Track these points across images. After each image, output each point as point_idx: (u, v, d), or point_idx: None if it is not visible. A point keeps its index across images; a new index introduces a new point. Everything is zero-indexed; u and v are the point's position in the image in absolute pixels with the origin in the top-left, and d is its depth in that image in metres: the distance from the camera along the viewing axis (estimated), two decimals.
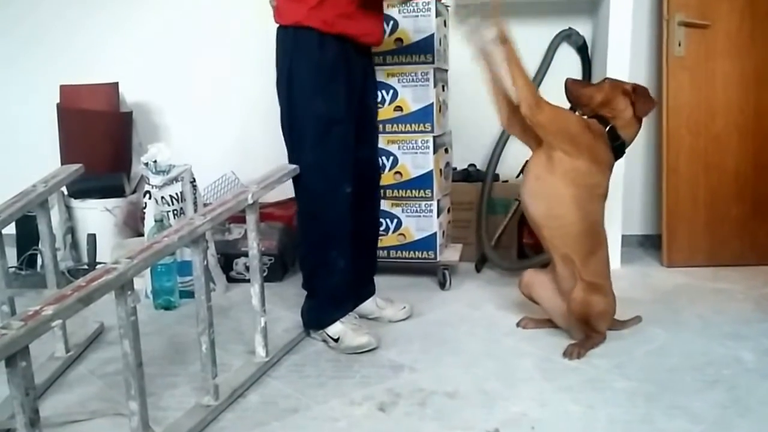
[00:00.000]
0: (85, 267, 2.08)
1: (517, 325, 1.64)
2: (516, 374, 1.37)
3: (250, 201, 1.35)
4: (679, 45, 2.11)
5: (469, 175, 2.30)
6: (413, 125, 1.92)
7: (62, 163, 2.20)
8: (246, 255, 1.59)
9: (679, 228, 2.17)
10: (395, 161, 1.94)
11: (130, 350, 1.01)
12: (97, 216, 2.19)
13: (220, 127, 2.50)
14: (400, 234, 1.99)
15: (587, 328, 1.46)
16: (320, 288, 1.52)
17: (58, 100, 2.34)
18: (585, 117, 1.52)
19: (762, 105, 2.13)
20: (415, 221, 1.97)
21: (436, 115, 1.91)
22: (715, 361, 1.41)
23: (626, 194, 2.11)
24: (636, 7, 2.05)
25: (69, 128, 2.31)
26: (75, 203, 2.20)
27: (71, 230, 2.21)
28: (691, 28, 2.09)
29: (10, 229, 1.57)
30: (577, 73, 2.28)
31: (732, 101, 2.13)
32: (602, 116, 1.49)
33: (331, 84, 1.41)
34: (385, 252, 1.95)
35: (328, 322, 1.50)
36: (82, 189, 2.16)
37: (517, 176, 2.23)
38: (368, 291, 1.67)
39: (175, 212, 1.87)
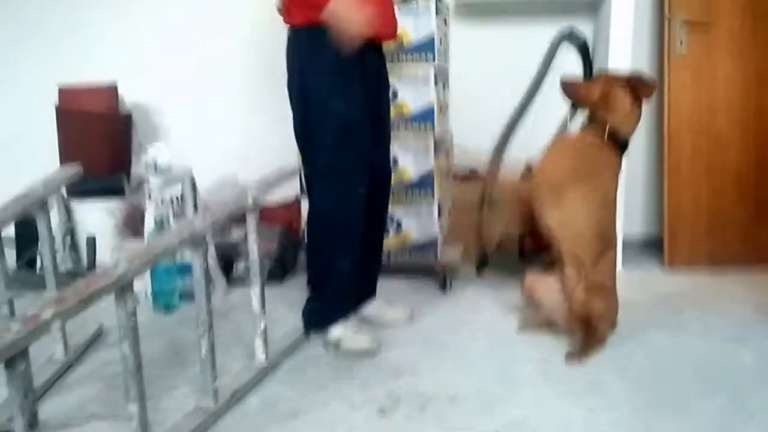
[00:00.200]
0: (85, 269, 2.07)
1: (518, 328, 1.63)
2: (517, 378, 1.36)
3: (251, 203, 1.35)
4: (681, 44, 2.10)
5: (470, 175, 2.29)
6: (414, 125, 1.91)
7: (62, 165, 2.20)
8: (246, 257, 1.59)
9: (681, 229, 2.16)
10: (396, 162, 1.93)
11: (129, 352, 1.00)
12: (96, 217, 2.18)
13: (220, 129, 2.50)
14: (401, 236, 1.98)
15: (588, 329, 1.46)
16: (325, 290, 1.51)
17: (56, 102, 2.33)
18: (581, 124, 1.51)
19: (764, 104, 2.12)
20: (416, 223, 1.96)
21: (436, 115, 1.90)
22: (716, 364, 1.40)
23: (627, 195, 2.10)
24: (637, 5, 2.04)
25: (68, 130, 2.30)
26: (74, 205, 2.20)
27: (71, 232, 2.21)
28: (693, 27, 2.08)
29: (10, 231, 1.57)
30: (578, 73, 2.27)
31: (734, 100, 2.12)
32: (600, 118, 1.48)
33: (347, 84, 1.39)
34: (386, 254, 1.94)
35: (329, 324, 1.50)
36: (81, 190, 2.15)
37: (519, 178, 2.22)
38: (370, 294, 1.67)
39: (175, 214, 1.87)
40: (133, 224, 2.25)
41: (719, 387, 1.30)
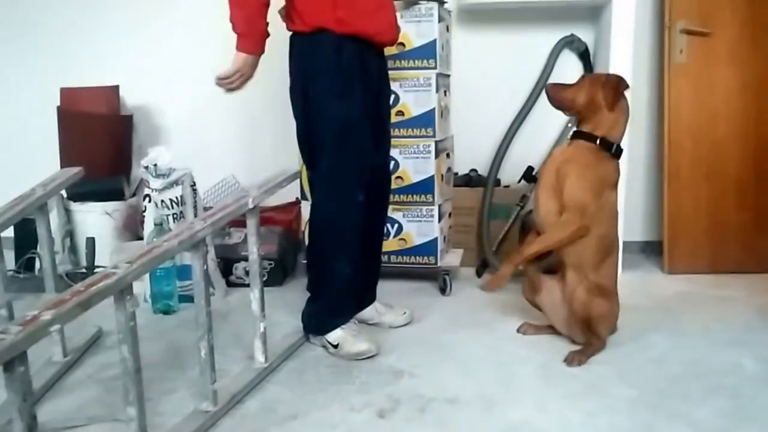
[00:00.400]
0: (84, 271, 2.07)
1: (518, 331, 1.63)
2: (516, 381, 1.36)
3: (251, 205, 1.35)
4: (681, 52, 2.11)
5: (470, 180, 2.30)
6: (415, 130, 1.92)
7: (62, 166, 2.20)
8: (246, 259, 1.59)
9: (681, 235, 2.16)
10: (396, 166, 1.94)
11: (128, 355, 1.00)
12: (96, 219, 2.18)
13: (221, 131, 2.50)
14: (401, 239, 1.98)
15: (588, 331, 1.46)
16: (325, 293, 1.51)
17: (58, 103, 2.34)
18: (578, 133, 1.49)
19: (763, 112, 2.13)
20: (416, 226, 1.96)
21: (437, 120, 1.91)
22: (716, 368, 1.40)
23: (627, 201, 2.11)
24: (638, 14, 2.06)
25: (69, 131, 2.31)
26: (74, 206, 2.20)
27: (70, 233, 2.20)
28: (693, 36, 2.10)
29: (9, 232, 1.57)
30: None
31: (733, 108, 2.13)
32: (589, 125, 1.47)
33: (348, 88, 1.39)
34: (386, 257, 1.94)
35: (329, 328, 1.50)
36: (81, 192, 2.15)
37: (519, 181, 2.23)
38: (370, 297, 1.66)
39: (175, 216, 1.87)
40: (132, 226, 2.25)
41: (720, 391, 1.30)
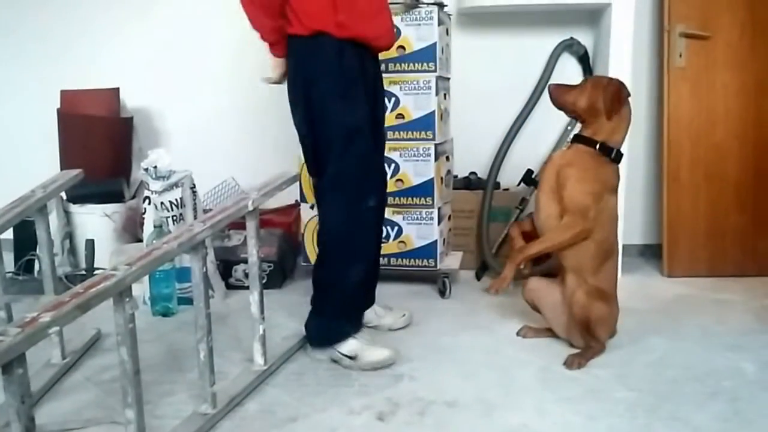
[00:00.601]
0: (83, 273, 2.07)
1: (518, 334, 1.63)
2: (516, 384, 1.36)
3: (251, 208, 1.35)
4: (680, 56, 2.12)
5: (470, 182, 2.30)
6: (415, 133, 1.92)
7: (62, 168, 2.20)
8: (245, 262, 1.59)
9: (680, 238, 2.16)
10: (396, 168, 1.94)
11: (127, 357, 1.00)
12: (95, 221, 2.18)
13: (221, 133, 2.51)
14: (400, 241, 1.98)
15: (587, 333, 1.46)
16: (335, 305, 1.45)
17: (58, 105, 2.34)
18: (579, 144, 1.49)
19: (762, 115, 2.14)
20: (416, 229, 1.96)
21: (437, 123, 1.91)
22: (715, 372, 1.40)
23: (627, 203, 2.11)
24: (637, 17, 2.06)
25: (69, 133, 2.31)
26: (74, 208, 2.20)
27: (69, 235, 2.20)
28: (692, 39, 2.11)
29: (8, 234, 1.57)
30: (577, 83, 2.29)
31: (732, 111, 2.14)
32: (590, 129, 1.47)
33: (351, 91, 1.37)
34: (386, 260, 1.95)
35: (341, 338, 1.43)
36: (81, 194, 2.15)
37: (518, 184, 2.23)
38: (369, 300, 1.64)
39: (175, 218, 1.86)
40: (132, 228, 2.25)
41: (719, 394, 1.30)
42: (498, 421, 1.21)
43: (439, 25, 1.88)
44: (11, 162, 2.55)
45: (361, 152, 1.39)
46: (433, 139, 1.91)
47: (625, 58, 2.02)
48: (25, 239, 2.11)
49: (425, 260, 1.97)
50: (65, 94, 2.34)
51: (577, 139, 1.51)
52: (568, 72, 2.28)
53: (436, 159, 1.93)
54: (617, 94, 1.46)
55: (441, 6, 1.91)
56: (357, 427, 1.19)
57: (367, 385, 1.36)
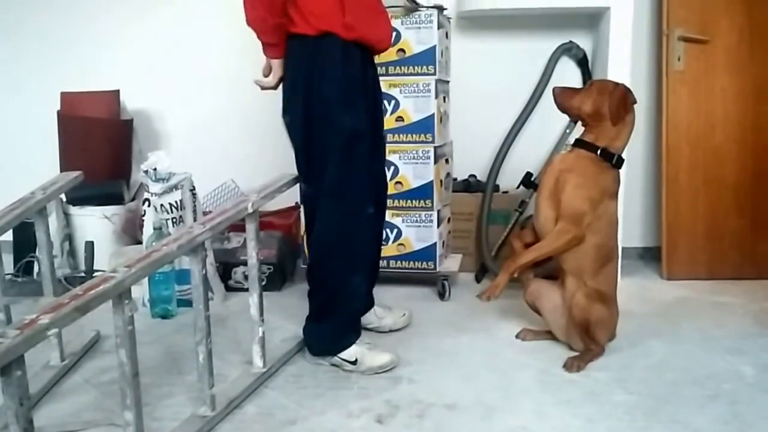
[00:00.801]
0: (83, 275, 2.07)
1: (517, 336, 1.63)
2: (515, 386, 1.36)
3: (250, 210, 1.35)
4: (679, 59, 2.13)
5: (469, 185, 2.30)
6: (414, 135, 1.93)
7: (62, 170, 2.20)
8: (245, 264, 1.59)
9: (679, 241, 2.17)
10: (396, 171, 1.94)
11: (126, 360, 1.00)
12: (95, 223, 2.18)
13: (221, 136, 2.51)
14: (400, 244, 1.98)
15: (586, 336, 1.46)
16: (338, 315, 1.42)
17: (58, 107, 2.34)
18: (579, 149, 1.49)
19: (761, 119, 2.15)
20: (415, 231, 1.96)
21: (437, 126, 1.92)
22: (715, 375, 1.40)
23: (626, 207, 2.11)
24: (636, 21, 2.07)
25: (69, 135, 2.31)
26: (73, 210, 2.20)
27: (69, 237, 2.20)
28: (691, 43, 2.11)
29: (8, 236, 1.57)
30: (577, 86, 2.30)
31: (731, 115, 2.15)
32: (593, 133, 1.47)
33: (354, 96, 1.35)
34: (385, 262, 1.94)
35: (344, 347, 1.42)
36: (80, 196, 2.15)
37: (517, 187, 2.24)
38: (369, 303, 1.63)
39: (174, 220, 1.87)
40: (131, 230, 2.25)
41: (718, 397, 1.30)
42: (497, 423, 1.20)
43: (438, 28, 1.89)
44: (11, 163, 2.55)
45: (361, 159, 1.36)
46: (433, 141, 1.92)
47: (624, 61, 2.03)
48: (25, 241, 2.11)
49: (425, 263, 1.97)
50: (65, 96, 2.34)
51: (579, 143, 1.50)
52: (567, 75, 2.29)
53: (436, 162, 1.93)
54: (623, 100, 1.45)
55: (441, 9, 1.92)
56: (356, 429, 1.19)
57: (366, 387, 1.36)
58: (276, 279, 2.08)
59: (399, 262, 1.99)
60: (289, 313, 1.78)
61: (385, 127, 1.87)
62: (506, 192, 2.29)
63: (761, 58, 2.12)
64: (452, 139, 2.19)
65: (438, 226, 1.96)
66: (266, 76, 1.42)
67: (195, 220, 1.88)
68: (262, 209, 1.45)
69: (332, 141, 1.34)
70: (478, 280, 2.18)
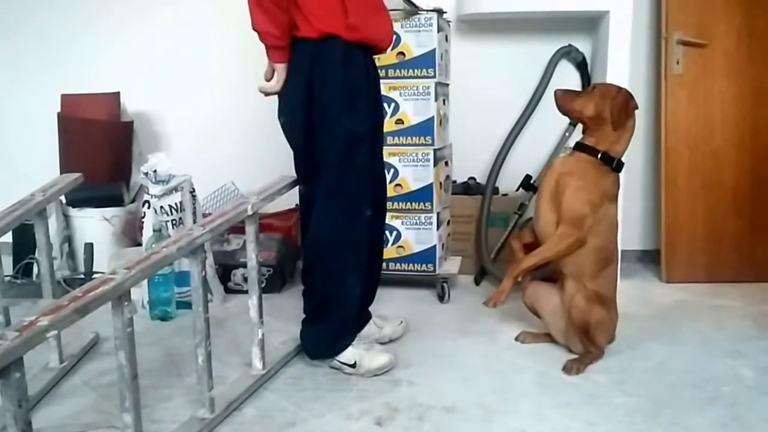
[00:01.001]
0: (82, 276, 2.07)
1: (516, 339, 1.63)
2: (515, 389, 1.36)
3: (250, 212, 1.35)
4: (678, 63, 2.13)
5: (468, 188, 2.31)
6: (414, 138, 1.93)
7: (61, 172, 2.20)
8: (244, 266, 1.59)
9: (678, 244, 2.17)
10: (396, 174, 1.95)
11: (125, 362, 1.00)
12: (95, 225, 2.18)
13: (221, 138, 2.51)
14: (399, 246, 1.98)
15: (586, 338, 1.46)
16: (333, 316, 1.42)
17: (59, 109, 2.35)
18: (578, 152, 1.49)
19: (759, 122, 2.15)
20: (415, 234, 1.97)
21: (436, 129, 1.92)
22: (714, 377, 1.40)
23: (625, 209, 2.11)
24: (635, 25, 2.08)
25: (69, 137, 2.31)
26: (73, 212, 2.20)
27: (68, 239, 2.20)
28: (689, 47, 2.12)
29: (7, 238, 1.57)
30: (576, 89, 2.30)
31: (729, 118, 2.15)
32: (594, 137, 1.47)
33: (356, 99, 1.34)
34: (384, 264, 1.93)
35: (340, 350, 1.42)
36: (80, 198, 2.15)
37: (517, 189, 2.24)
38: (369, 314, 1.60)
39: (174, 222, 1.87)
40: (131, 232, 2.25)
41: (717, 400, 1.30)
42: (497, 426, 1.20)
43: (438, 31, 1.89)
44: (11, 165, 2.55)
45: (361, 162, 1.36)
46: (432, 144, 1.92)
47: (623, 65, 2.03)
48: (24, 243, 2.11)
49: (424, 265, 1.97)
50: (66, 98, 2.35)
51: (579, 147, 1.50)
52: (567, 79, 2.29)
53: (435, 164, 1.94)
54: (625, 106, 1.45)
55: (440, 13, 1.92)
56: None
57: (365, 390, 1.36)
58: (275, 281, 2.08)
59: (398, 264, 1.99)
60: (288, 315, 1.78)
61: (385, 130, 1.87)
62: (506, 194, 2.29)
63: (759, 62, 2.13)
64: (452, 141, 2.19)
65: (437, 228, 1.97)
66: (268, 79, 1.41)
67: (195, 222, 1.88)
68: (262, 211, 1.45)
69: (332, 143, 1.34)
70: (477, 282, 2.18)
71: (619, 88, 1.49)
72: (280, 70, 1.37)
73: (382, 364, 1.42)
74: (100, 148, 2.29)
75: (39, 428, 1.13)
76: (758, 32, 2.12)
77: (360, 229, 1.40)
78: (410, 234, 1.97)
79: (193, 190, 1.94)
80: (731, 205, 2.16)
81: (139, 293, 1.86)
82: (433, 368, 1.47)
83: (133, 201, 2.33)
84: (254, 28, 1.33)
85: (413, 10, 1.88)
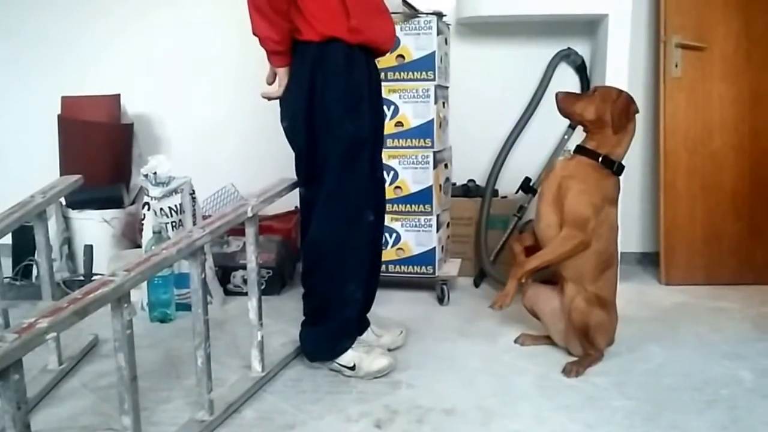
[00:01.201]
0: (81, 278, 2.06)
1: (515, 341, 1.63)
2: (514, 391, 1.36)
3: (250, 214, 1.35)
4: (676, 66, 2.14)
5: (468, 190, 2.31)
6: (414, 141, 1.93)
7: (61, 174, 2.21)
8: (244, 268, 1.59)
9: (677, 246, 2.17)
10: (395, 176, 1.95)
11: (124, 364, 1.00)
12: (94, 227, 2.18)
13: (221, 140, 2.52)
14: (399, 248, 1.99)
15: (585, 341, 1.46)
16: (332, 320, 1.42)
17: (59, 111, 2.35)
18: (578, 155, 1.49)
19: (758, 125, 2.16)
20: (415, 236, 1.97)
21: (436, 131, 1.92)
22: (713, 380, 1.40)
23: (624, 212, 2.11)
24: (634, 28, 2.08)
25: (69, 139, 2.31)
26: (73, 214, 2.20)
27: (68, 241, 2.20)
28: (688, 50, 2.13)
29: (7, 239, 1.57)
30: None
31: (728, 121, 2.16)
32: (594, 140, 1.48)
33: (358, 102, 1.33)
34: (384, 266, 1.93)
35: (340, 353, 1.42)
36: (80, 200, 2.15)
37: (516, 192, 2.24)
38: (367, 321, 1.58)
39: (174, 224, 1.87)
40: (131, 234, 2.25)
41: (716, 402, 1.30)
42: (496, 428, 1.20)
43: (438, 34, 1.90)
44: (11, 167, 2.55)
45: (362, 165, 1.36)
46: (432, 146, 1.93)
47: (622, 68, 2.04)
48: (24, 244, 2.11)
49: (424, 267, 1.97)
50: (66, 100, 2.35)
51: (580, 150, 1.51)
52: (566, 82, 2.30)
53: (435, 166, 1.94)
54: (626, 109, 1.46)
55: (440, 16, 1.93)
56: None
57: (365, 392, 1.36)
58: (275, 283, 2.08)
59: (398, 266, 1.99)
60: (288, 317, 1.78)
61: (385, 133, 1.87)
62: (505, 197, 2.30)
63: (757, 65, 2.14)
64: (451, 144, 2.20)
65: (437, 230, 1.97)
66: (270, 84, 1.41)
67: (194, 224, 1.88)
68: (262, 213, 1.45)
69: (334, 147, 1.34)
70: (477, 284, 2.18)
71: (620, 92, 1.50)
72: (282, 74, 1.37)
73: (382, 366, 1.42)
74: (100, 150, 2.29)
75: (38, 430, 1.13)
76: (756, 35, 2.13)
77: (361, 233, 1.39)
78: (410, 236, 1.97)
79: (193, 192, 1.94)
80: (730, 207, 2.17)
81: (139, 295, 1.86)
82: (433, 370, 1.46)
83: (132, 203, 2.33)
84: (254, 34, 1.33)
85: (413, 13, 1.89)
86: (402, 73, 1.91)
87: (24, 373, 0.84)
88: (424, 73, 1.90)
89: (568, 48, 2.30)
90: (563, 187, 1.45)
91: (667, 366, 1.48)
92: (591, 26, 2.27)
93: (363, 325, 1.56)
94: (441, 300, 1.97)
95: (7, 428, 0.84)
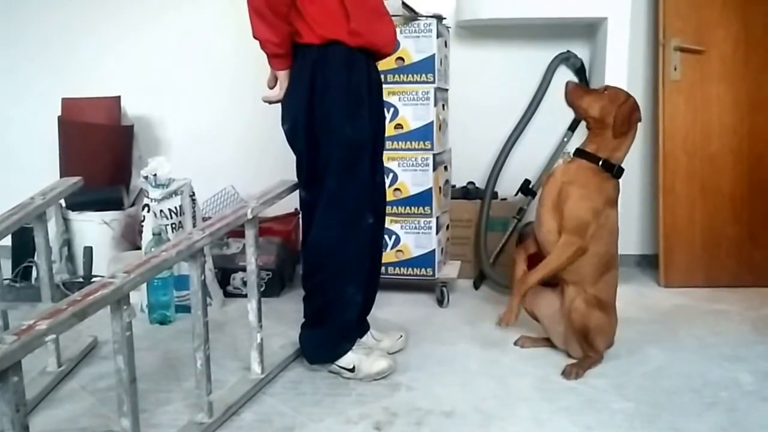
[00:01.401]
0: (81, 280, 2.06)
1: (515, 343, 1.63)
2: (513, 394, 1.36)
3: (250, 216, 1.35)
4: (675, 69, 2.15)
5: (468, 192, 2.31)
6: (413, 143, 1.94)
7: (61, 176, 2.21)
8: (243, 270, 1.59)
9: (676, 248, 2.18)
10: (395, 178, 1.95)
11: (123, 366, 1.00)
12: (94, 229, 2.18)
13: (221, 142, 2.52)
14: (398, 250, 1.99)
15: (585, 343, 1.46)
16: (332, 323, 1.42)
17: (59, 113, 2.35)
18: (577, 159, 1.49)
19: (756, 128, 2.17)
20: (414, 238, 1.97)
21: (435, 133, 1.93)
22: (713, 382, 1.40)
23: (623, 214, 2.11)
24: (633, 31, 2.09)
25: (69, 141, 2.32)
26: (72, 215, 2.20)
27: (68, 243, 2.20)
28: (687, 53, 2.14)
29: (6, 241, 1.57)
30: None
31: (727, 124, 2.16)
32: (595, 142, 1.48)
33: (358, 106, 1.33)
34: (384, 268, 1.93)
35: (340, 355, 1.42)
36: (80, 201, 2.15)
37: (516, 194, 2.25)
38: (367, 325, 1.58)
39: (174, 226, 1.87)
40: (131, 236, 2.25)
41: (716, 405, 1.30)
42: (495, 431, 1.20)
43: (437, 37, 1.90)
44: (11, 169, 2.55)
45: (363, 169, 1.36)
46: (432, 149, 1.93)
47: (621, 71, 2.05)
48: (24, 246, 2.11)
49: (423, 269, 1.98)
50: (66, 102, 2.35)
51: (580, 153, 1.51)
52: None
53: (435, 169, 1.94)
54: (628, 117, 1.46)
55: (440, 18, 1.94)
56: None
57: (364, 394, 1.36)
58: (275, 285, 2.08)
59: (397, 268, 1.99)
60: (287, 319, 1.78)
61: (385, 135, 1.87)
62: (505, 199, 2.30)
63: (756, 68, 2.15)
64: (451, 146, 2.20)
65: (437, 232, 1.97)
66: (271, 87, 1.41)
67: (194, 225, 1.88)
68: (262, 215, 1.46)
69: (335, 150, 1.34)
70: (476, 286, 2.18)
71: (628, 97, 1.49)
72: (282, 77, 1.37)
73: (381, 368, 1.42)
74: (101, 151, 2.29)
75: None
76: (755, 39, 2.14)
77: (361, 236, 1.39)
78: (409, 238, 1.97)
79: (193, 194, 1.95)
80: (729, 210, 2.17)
81: (138, 297, 1.86)
82: (432, 373, 1.46)
83: (132, 205, 2.33)
84: (254, 37, 1.33)
85: (413, 16, 1.90)
86: (402, 76, 1.92)
87: (23, 374, 0.84)
88: (423, 75, 1.91)
89: (568, 51, 2.30)
90: (564, 193, 1.45)
91: (666, 368, 1.49)
92: (590, 29, 2.27)
93: (363, 327, 1.56)
94: (440, 302, 1.97)
95: (6, 430, 0.83)
